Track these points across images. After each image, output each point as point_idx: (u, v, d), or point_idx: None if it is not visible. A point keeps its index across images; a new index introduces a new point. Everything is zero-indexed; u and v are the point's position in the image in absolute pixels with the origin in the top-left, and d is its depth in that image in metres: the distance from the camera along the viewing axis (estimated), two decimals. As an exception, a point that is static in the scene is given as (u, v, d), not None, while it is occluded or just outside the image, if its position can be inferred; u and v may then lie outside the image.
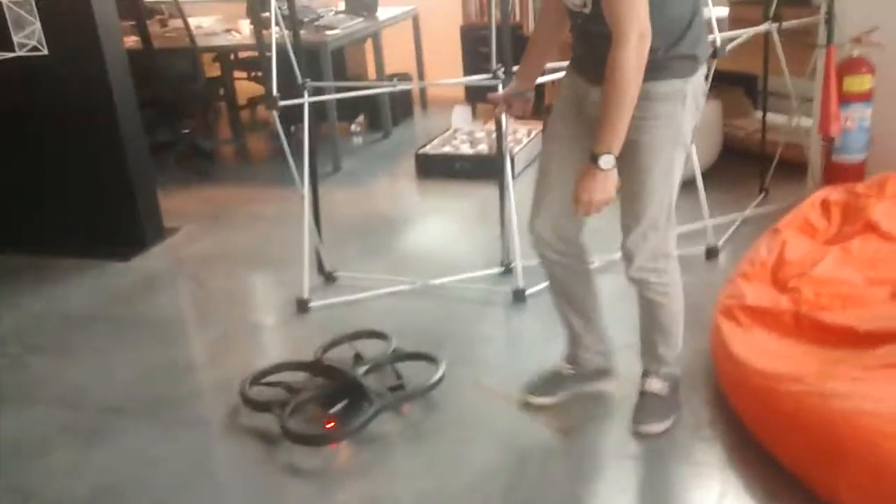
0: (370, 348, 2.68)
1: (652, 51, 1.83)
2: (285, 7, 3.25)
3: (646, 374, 2.31)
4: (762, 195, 3.84)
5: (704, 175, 3.35)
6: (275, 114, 3.06)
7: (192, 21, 5.15)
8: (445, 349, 2.67)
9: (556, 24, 2.16)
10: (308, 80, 3.15)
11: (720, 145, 4.24)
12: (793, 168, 3.92)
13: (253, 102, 6.20)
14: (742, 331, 2.34)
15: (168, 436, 2.44)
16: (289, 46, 3.15)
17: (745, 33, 3.36)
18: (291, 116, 3.16)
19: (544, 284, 3.09)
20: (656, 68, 1.89)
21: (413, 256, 3.64)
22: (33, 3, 3.17)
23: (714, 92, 4.01)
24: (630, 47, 1.78)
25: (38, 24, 3.21)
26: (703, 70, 2.03)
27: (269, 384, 2.54)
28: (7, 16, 3.12)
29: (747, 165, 4.10)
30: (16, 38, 3.13)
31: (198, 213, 4.28)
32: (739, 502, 2.01)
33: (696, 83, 2.01)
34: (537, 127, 4.83)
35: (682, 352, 2.60)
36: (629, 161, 1.97)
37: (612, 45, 1.80)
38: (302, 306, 3.11)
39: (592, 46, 1.97)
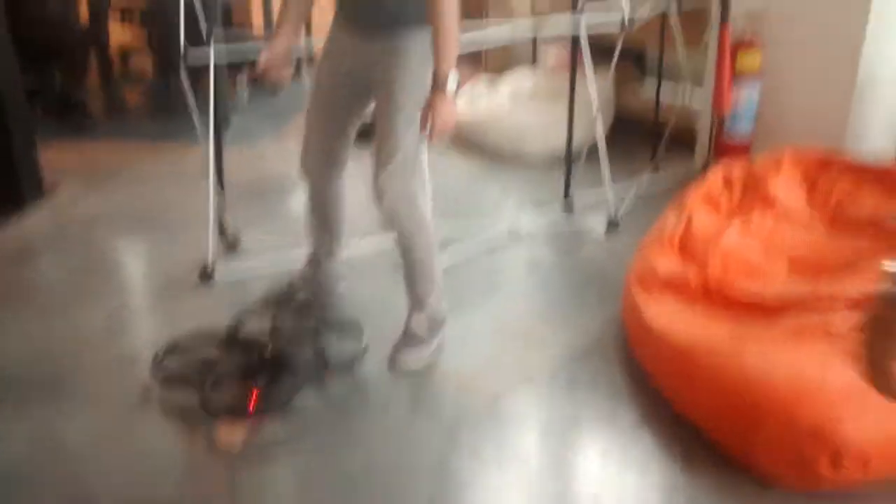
0: (286, 316, 2.61)
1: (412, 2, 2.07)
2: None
3: (411, 311, 2.48)
4: (654, 167, 4.00)
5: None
6: (182, 67, 2.88)
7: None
8: (362, 317, 2.65)
9: None
10: (215, 29, 2.97)
11: (613, 117, 4.36)
12: (682, 140, 4.10)
13: (126, 51, 5.82)
14: (655, 300, 2.44)
15: (74, 414, 2.29)
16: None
17: (648, 12, 3.47)
18: (169, 67, 2.96)
19: (458, 254, 3.12)
20: (412, 11, 2.11)
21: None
22: None
23: (607, 64, 4.12)
24: None
25: None
26: None
27: (182, 357, 2.43)
28: None
29: (639, 137, 4.25)
30: None
31: (77, 169, 3.99)
32: (658, 463, 2.11)
33: None
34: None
35: (594, 320, 2.72)
36: (385, 100, 2.22)
37: None
38: (206, 273, 2.98)
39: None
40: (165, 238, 3.36)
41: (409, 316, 2.51)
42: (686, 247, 2.66)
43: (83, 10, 5.17)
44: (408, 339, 2.49)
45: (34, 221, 3.48)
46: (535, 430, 2.26)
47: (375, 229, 3.19)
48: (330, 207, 2.63)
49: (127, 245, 3.35)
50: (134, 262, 3.25)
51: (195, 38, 2.94)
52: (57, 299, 2.91)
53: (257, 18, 5.43)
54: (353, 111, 2.42)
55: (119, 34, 5.58)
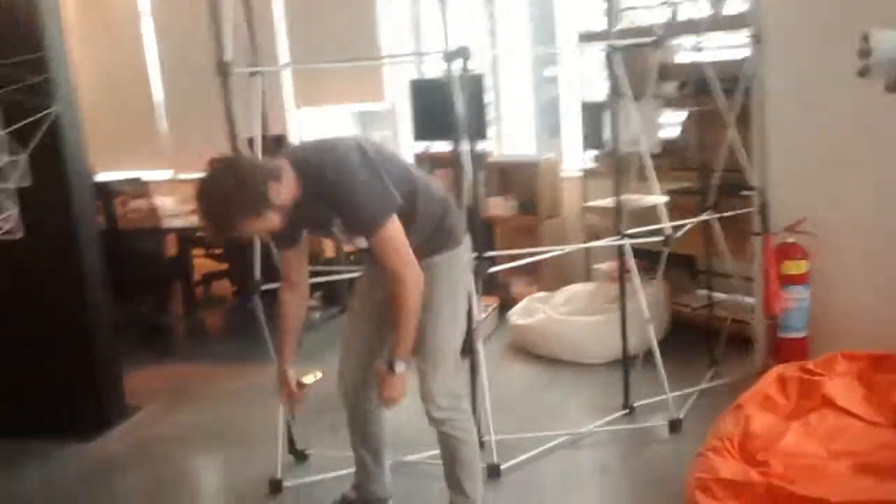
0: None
1: (423, 232, 2.41)
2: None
3: None
4: (713, 369, 4.03)
5: (663, 350, 3.52)
6: (256, 297, 3.17)
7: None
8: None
9: (300, 286, 2.58)
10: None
11: (669, 322, 4.47)
12: (739, 341, 4.15)
13: (208, 278, 6.27)
14: (719, 505, 2.42)
15: None
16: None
17: (690, 223, 3.69)
18: (247, 291, 3.28)
19: (521, 458, 3.16)
20: (431, 246, 2.45)
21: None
22: (14, 190, 3.26)
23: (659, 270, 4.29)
24: (408, 284, 2.30)
25: (16, 210, 3.29)
26: (466, 244, 2.61)
27: None
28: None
29: (696, 340, 4.32)
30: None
31: (159, 392, 4.24)
32: None
33: (462, 254, 2.58)
34: (493, 301, 5.03)
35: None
36: (425, 318, 2.41)
37: (392, 282, 2.31)
38: (275, 487, 3.07)
39: None
40: (237, 454, 3.50)
41: None
42: (746, 449, 2.66)
43: (171, 245, 5.69)
44: None
45: (114, 443, 3.67)
46: None
47: (423, 445, 3.31)
48: (370, 426, 2.77)
49: (200, 462, 3.48)
50: (207, 479, 3.36)
51: (271, 265, 3.23)
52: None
53: (328, 243, 5.84)
54: (387, 331, 2.57)
55: (201, 266, 6.06)
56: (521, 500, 2.92)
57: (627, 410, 3.61)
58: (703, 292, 4.74)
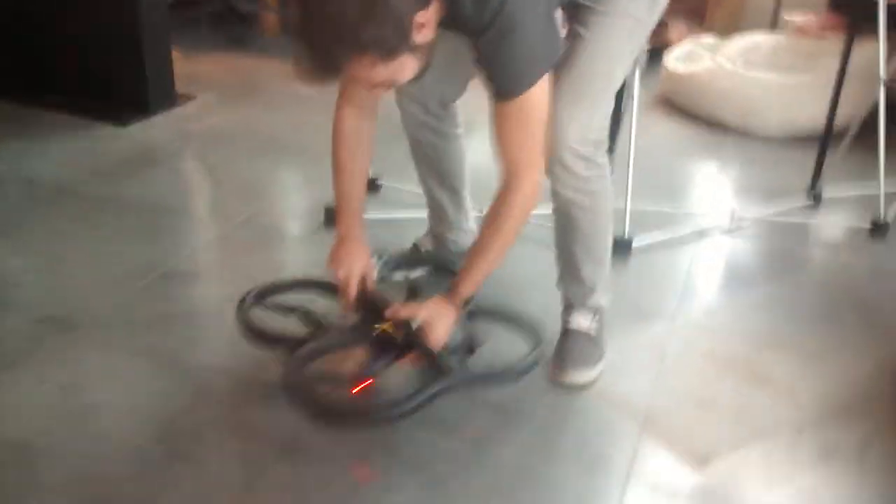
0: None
1: None
2: None
3: (568, 307, 1.81)
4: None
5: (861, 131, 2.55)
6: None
7: None
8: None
9: (370, 113, 1.74)
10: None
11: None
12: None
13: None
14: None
15: (119, 373, 1.71)
16: None
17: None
18: None
19: (661, 238, 2.35)
20: None
21: (474, 172, 2.84)
22: None
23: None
24: (525, 190, 1.54)
25: None
26: None
27: (281, 308, 1.76)
28: None
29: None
30: None
31: (221, 83, 3.55)
32: None
33: None
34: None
35: (857, 364, 1.86)
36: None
37: (505, 186, 1.55)
38: (331, 216, 2.35)
39: None
40: (297, 167, 2.86)
41: (568, 312, 1.81)
42: None
43: None
44: (573, 341, 1.77)
45: (154, 130, 3.05)
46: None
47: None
48: (445, 162, 2.00)
49: (249, 169, 2.79)
50: (253, 189, 2.65)
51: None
52: (152, 221, 2.40)
53: None
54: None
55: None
56: (647, 289, 2.14)
57: (812, 201, 2.67)
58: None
